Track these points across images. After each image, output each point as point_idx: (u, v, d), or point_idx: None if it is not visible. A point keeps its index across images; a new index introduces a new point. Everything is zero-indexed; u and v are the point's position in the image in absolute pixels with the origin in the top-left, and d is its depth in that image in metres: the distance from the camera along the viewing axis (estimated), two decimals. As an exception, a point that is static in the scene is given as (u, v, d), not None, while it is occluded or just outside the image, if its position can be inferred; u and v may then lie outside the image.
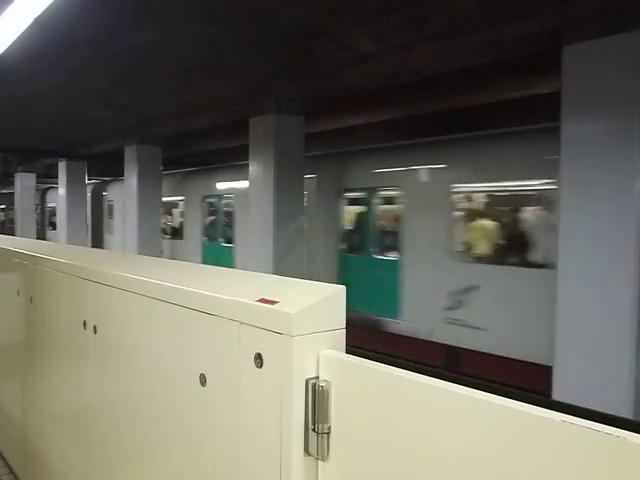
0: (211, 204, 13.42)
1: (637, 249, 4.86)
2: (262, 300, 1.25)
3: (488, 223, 7.97)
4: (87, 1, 5.44)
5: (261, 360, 1.21)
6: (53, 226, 20.17)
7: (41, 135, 13.09)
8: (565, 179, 5.28)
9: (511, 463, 0.85)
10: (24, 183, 17.83)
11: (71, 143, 14.21)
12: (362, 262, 9.61)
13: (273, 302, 1.22)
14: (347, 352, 1.20)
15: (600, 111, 5.12)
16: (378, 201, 9.63)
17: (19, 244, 3.69)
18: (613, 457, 0.74)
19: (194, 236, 13.62)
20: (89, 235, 17.46)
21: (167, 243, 14.32)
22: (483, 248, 7.97)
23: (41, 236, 20.29)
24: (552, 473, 0.80)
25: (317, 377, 1.16)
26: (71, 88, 8.85)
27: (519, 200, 7.74)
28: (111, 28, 6.34)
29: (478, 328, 7.56)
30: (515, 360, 7.03)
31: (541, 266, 6.99)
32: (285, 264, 8.43)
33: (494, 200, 8.09)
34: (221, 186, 13.18)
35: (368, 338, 7.78)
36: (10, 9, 4.24)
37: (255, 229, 8.91)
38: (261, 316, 1.23)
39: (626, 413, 4.76)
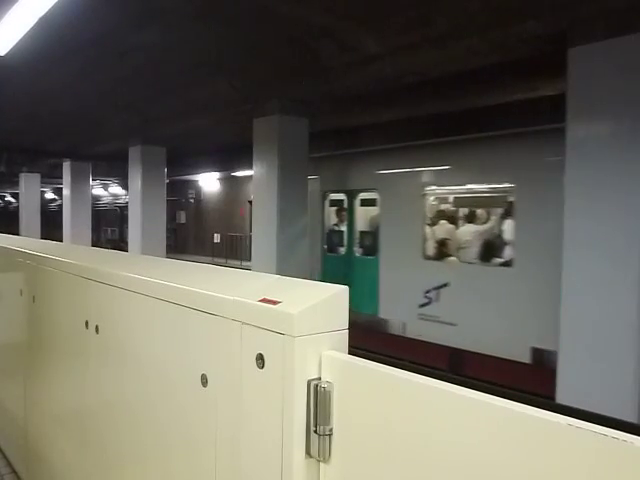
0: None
1: (643, 252, 4.82)
2: (264, 300, 1.24)
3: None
4: (91, 1, 5.44)
5: (263, 361, 1.20)
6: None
7: (45, 135, 13.11)
8: (570, 181, 5.25)
9: (515, 466, 0.84)
10: (28, 183, 17.92)
11: (75, 143, 14.23)
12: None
13: (275, 302, 1.21)
14: (349, 353, 1.19)
15: (606, 113, 5.09)
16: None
17: (22, 243, 3.69)
18: (620, 461, 0.73)
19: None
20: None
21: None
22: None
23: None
24: (558, 478, 0.79)
25: (319, 378, 1.15)
26: (75, 88, 8.85)
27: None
28: (115, 28, 6.34)
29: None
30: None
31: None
32: (288, 263, 8.41)
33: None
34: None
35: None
36: (14, 9, 4.26)
37: (258, 228, 8.92)
38: (263, 316, 1.22)
39: (631, 417, 4.72)
